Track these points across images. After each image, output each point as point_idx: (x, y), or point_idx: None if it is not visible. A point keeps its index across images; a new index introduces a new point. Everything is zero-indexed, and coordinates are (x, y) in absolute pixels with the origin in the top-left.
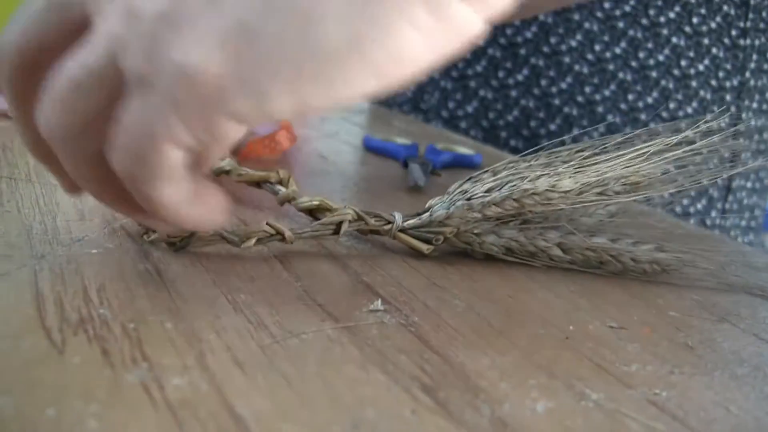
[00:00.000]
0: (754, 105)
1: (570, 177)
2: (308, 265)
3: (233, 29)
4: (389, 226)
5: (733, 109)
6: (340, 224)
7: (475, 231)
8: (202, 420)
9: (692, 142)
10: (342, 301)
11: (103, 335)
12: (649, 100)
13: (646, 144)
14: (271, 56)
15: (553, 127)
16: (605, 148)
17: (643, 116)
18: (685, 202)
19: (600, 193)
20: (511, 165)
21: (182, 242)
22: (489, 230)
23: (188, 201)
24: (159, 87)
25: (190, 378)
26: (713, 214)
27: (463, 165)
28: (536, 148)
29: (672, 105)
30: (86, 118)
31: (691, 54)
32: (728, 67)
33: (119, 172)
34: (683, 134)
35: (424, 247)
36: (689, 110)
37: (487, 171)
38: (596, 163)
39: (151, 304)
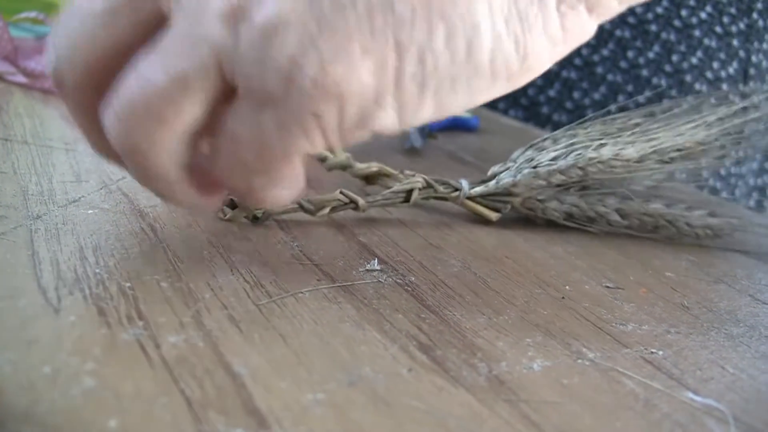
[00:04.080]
0: (765, 46)
1: (633, 145)
2: (304, 225)
3: (391, 48)
4: (456, 193)
5: (741, 54)
6: (410, 192)
7: (539, 197)
8: (198, 377)
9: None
10: (338, 261)
11: (99, 294)
12: (694, 60)
13: (702, 114)
14: (432, 74)
15: (597, 96)
16: (653, 114)
17: (688, 77)
18: None
19: (658, 161)
20: (570, 133)
21: (264, 215)
22: (551, 196)
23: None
24: (295, 108)
25: (186, 336)
26: (726, 162)
27: (460, 128)
28: (584, 119)
29: (675, 58)
30: (177, 130)
31: (692, 2)
32: (733, 11)
33: (230, 184)
34: (741, 105)
35: (493, 215)
36: (694, 61)
37: (546, 139)
38: (656, 132)
39: (147, 264)
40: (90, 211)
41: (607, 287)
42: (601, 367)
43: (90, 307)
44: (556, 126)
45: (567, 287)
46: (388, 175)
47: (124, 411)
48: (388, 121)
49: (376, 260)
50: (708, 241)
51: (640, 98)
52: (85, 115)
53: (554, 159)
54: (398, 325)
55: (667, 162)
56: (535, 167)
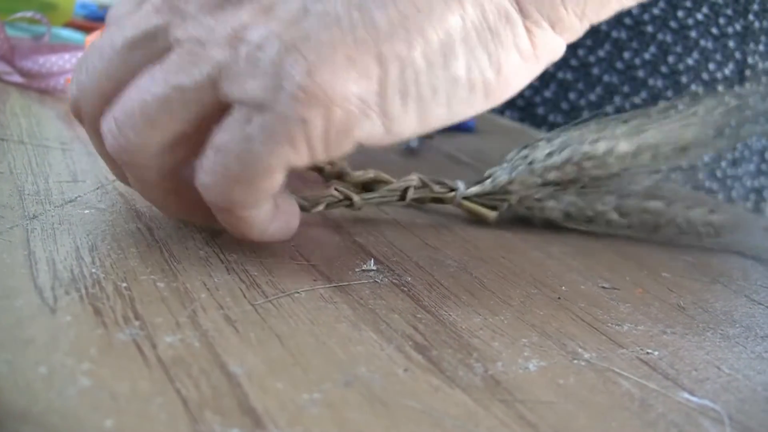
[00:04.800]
0: (761, 48)
1: (626, 140)
2: (301, 225)
3: (373, 58)
4: (452, 193)
5: (737, 55)
6: (405, 190)
7: (536, 196)
8: (194, 377)
9: (731, 105)
10: (335, 261)
11: (95, 294)
12: (690, 61)
13: (694, 112)
14: (413, 84)
15: (593, 97)
16: (648, 113)
17: (684, 78)
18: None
19: (653, 158)
20: (564, 133)
21: None
22: (549, 195)
23: (272, 217)
24: (282, 113)
25: (183, 336)
26: (723, 164)
27: (456, 128)
28: (579, 120)
29: (671, 59)
30: (167, 136)
31: (688, 3)
32: (729, 12)
33: (210, 196)
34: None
35: (490, 214)
36: (690, 62)
37: (542, 139)
38: (649, 128)
39: (143, 263)
40: (86, 211)
41: (603, 287)
42: (596, 367)
43: (86, 307)
44: (552, 127)
45: (563, 287)
46: (385, 182)
47: (120, 411)
48: (373, 131)
49: (372, 260)
50: (709, 240)
51: (636, 99)
52: (98, 137)
53: (549, 155)
54: (394, 325)
55: (662, 160)
56: (530, 164)
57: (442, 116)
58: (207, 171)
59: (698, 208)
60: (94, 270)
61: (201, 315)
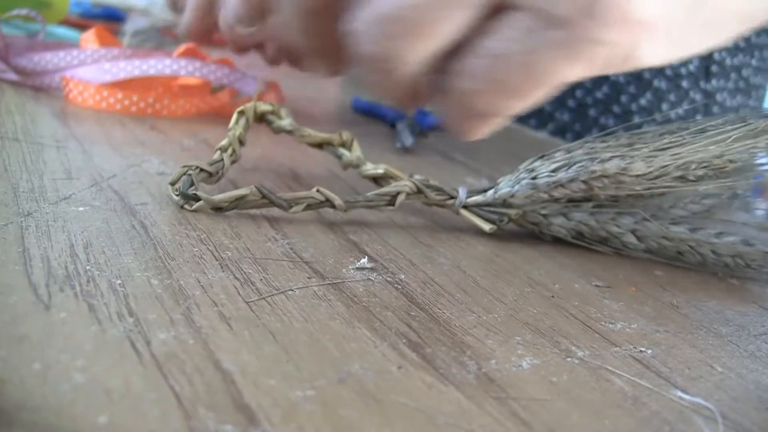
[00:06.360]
0: (753, 62)
1: (644, 160)
2: (295, 223)
3: None
4: (452, 201)
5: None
6: (395, 196)
7: (542, 212)
8: (188, 374)
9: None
10: (329, 258)
11: (89, 291)
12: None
13: (730, 128)
14: (701, 10)
15: (643, 102)
16: (688, 131)
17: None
18: None
19: (680, 178)
20: (588, 144)
21: (230, 206)
22: (558, 212)
23: None
24: (583, 35)
25: (176, 333)
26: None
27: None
28: (616, 127)
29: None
30: (432, 44)
31: None
32: None
33: (475, 103)
34: None
35: (487, 226)
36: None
37: (560, 150)
38: (675, 146)
39: (137, 261)
40: (81, 209)
41: (597, 286)
42: (590, 365)
43: (80, 303)
44: (603, 129)
45: (556, 286)
46: (395, 178)
47: (114, 407)
48: (649, 56)
49: (366, 258)
50: (740, 271)
51: (598, 94)
52: (316, 19)
53: (555, 170)
54: (388, 322)
55: (692, 180)
56: (534, 178)
57: (698, 48)
58: (479, 77)
59: (729, 237)
60: (88, 267)
61: (195, 312)
